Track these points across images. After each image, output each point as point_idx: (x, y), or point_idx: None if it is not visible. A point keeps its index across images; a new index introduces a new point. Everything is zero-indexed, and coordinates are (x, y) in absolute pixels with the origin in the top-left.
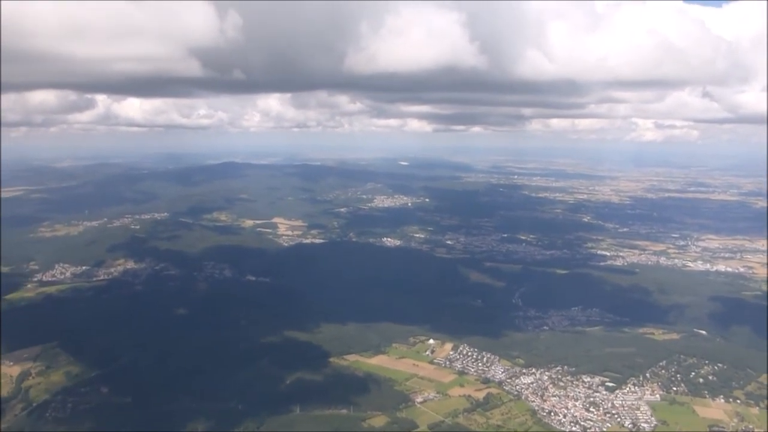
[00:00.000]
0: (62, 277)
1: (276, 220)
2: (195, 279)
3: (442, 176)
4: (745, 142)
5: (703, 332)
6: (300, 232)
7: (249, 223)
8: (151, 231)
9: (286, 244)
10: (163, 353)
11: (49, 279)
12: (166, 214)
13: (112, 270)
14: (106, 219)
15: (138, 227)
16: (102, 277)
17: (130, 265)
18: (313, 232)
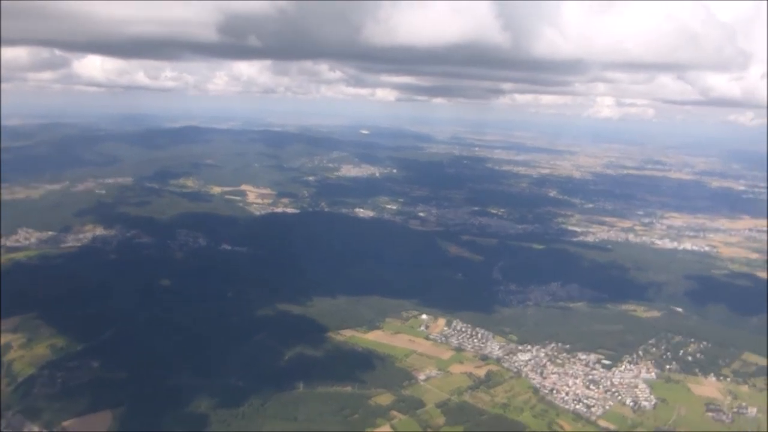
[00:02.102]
0: (27, 242)
1: (244, 187)
2: (169, 247)
3: (405, 146)
4: (700, 123)
5: (680, 310)
6: (270, 201)
7: (217, 189)
8: (118, 196)
9: (257, 213)
10: (152, 326)
11: (14, 244)
12: (130, 178)
13: (81, 236)
14: (68, 182)
15: (104, 192)
16: (70, 244)
17: (100, 231)
18: (284, 200)
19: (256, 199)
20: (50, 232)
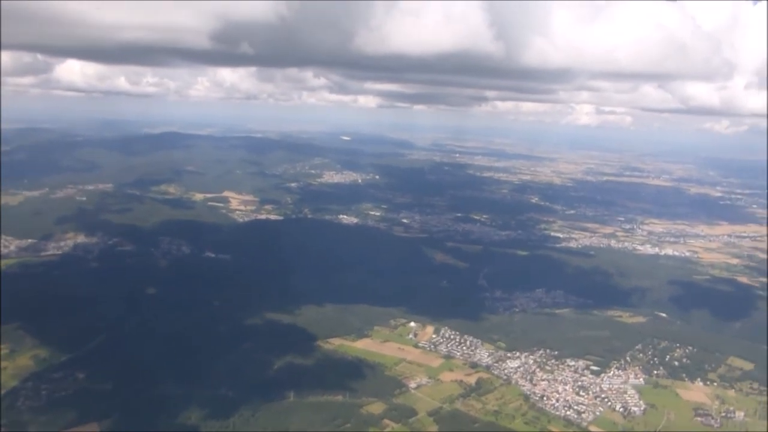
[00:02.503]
0: (6, 250)
1: (227, 193)
2: (153, 255)
3: (386, 153)
4: (677, 130)
5: (664, 315)
6: (253, 208)
7: (199, 196)
8: (99, 203)
9: (241, 220)
10: (137, 336)
11: None
12: (110, 185)
13: (62, 244)
14: (47, 189)
15: (84, 198)
16: (51, 252)
17: (81, 239)
18: (267, 207)
19: (239, 205)
20: (30, 240)
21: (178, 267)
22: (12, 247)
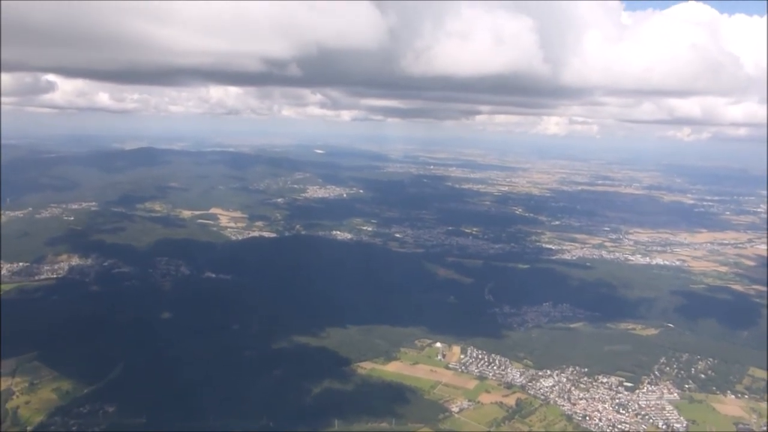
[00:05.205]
0: None
1: (214, 210)
2: (152, 277)
3: (363, 166)
4: (639, 138)
5: (671, 326)
6: (243, 225)
7: (187, 213)
8: (88, 222)
9: (234, 238)
10: (160, 363)
11: None
12: (95, 203)
13: (56, 267)
14: (30, 208)
15: (72, 218)
16: (46, 276)
17: (76, 261)
18: (258, 224)
19: (229, 222)
20: (22, 263)
21: (183, 288)
22: (4, 271)
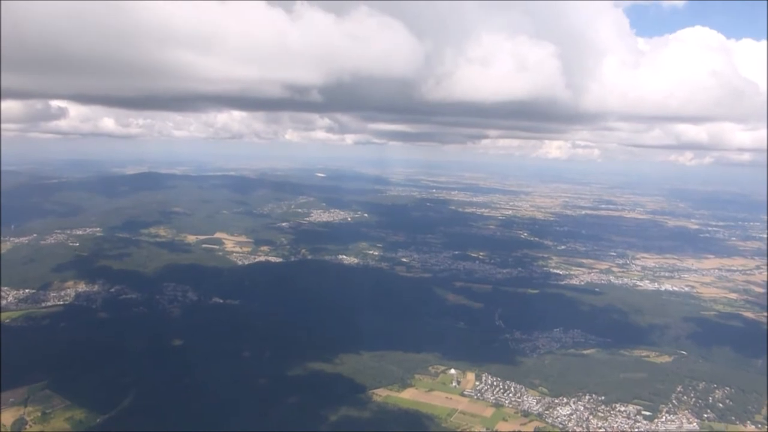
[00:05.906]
0: (4, 302)
1: (219, 235)
2: (160, 303)
3: (365, 189)
4: (640, 162)
5: (684, 353)
6: (249, 249)
7: (192, 238)
8: (94, 248)
9: (240, 263)
10: (174, 390)
11: None
12: (99, 228)
13: (63, 293)
14: (35, 234)
15: (77, 244)
16: (53, 302)
17: (82, 287)
18: (264, 248)
19: (234, 247)
20: (29, 290)
21: (191, 314)
22: (10, 298)
